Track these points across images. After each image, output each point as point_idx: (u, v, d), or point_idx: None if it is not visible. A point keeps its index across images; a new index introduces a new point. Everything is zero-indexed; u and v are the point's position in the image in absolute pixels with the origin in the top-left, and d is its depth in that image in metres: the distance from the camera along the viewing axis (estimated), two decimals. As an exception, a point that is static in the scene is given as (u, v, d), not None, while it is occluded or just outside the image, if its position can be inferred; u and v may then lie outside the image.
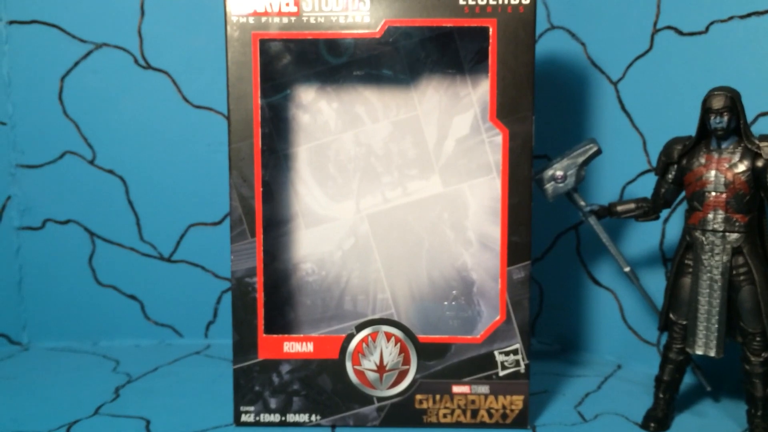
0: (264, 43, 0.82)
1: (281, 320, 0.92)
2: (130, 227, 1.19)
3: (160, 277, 1.20)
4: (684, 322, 0.86)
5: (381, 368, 0.85)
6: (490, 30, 0.80)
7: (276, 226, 0.92)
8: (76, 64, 1.16)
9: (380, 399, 0.85)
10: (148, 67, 1.16)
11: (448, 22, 0.80)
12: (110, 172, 1.18)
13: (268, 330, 0.85)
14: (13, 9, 1.14)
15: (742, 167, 0.82)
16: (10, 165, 1.17)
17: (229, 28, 0.81)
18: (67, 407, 0.92)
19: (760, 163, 0.82)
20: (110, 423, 0.88)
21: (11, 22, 1.14)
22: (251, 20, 0.81)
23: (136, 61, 1.16)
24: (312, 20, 0.81)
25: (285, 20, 0.81)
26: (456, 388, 0.85)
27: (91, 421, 0.89)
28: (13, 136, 1.16)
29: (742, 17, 0.97)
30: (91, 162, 1.17)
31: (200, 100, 1.17)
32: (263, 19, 0.81)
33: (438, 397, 0.85)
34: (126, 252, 1.19)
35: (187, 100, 1.17)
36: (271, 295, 0.88)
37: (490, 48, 0.80)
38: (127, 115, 1.17)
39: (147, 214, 1.19)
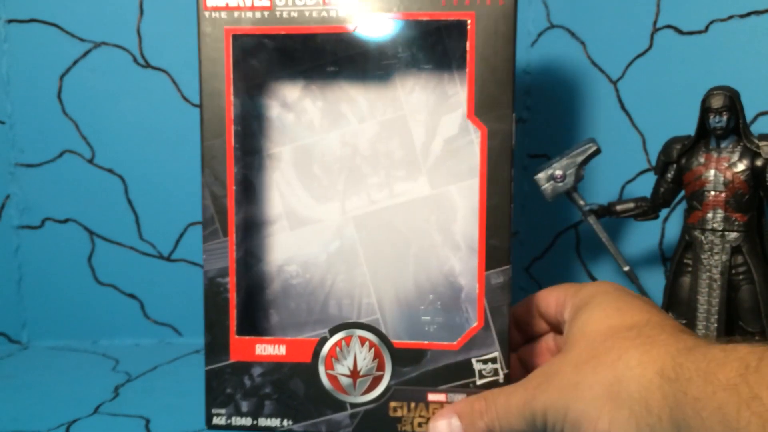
0: (239, 39, 0.80)
1: (265, 323, 0.89)
2: (129, 226, 1.19)
3: (160, 276, 1.19)
4: (683, 321, 0.86)
5: (354, 373, 0.81)
6: (468, 23, 0.76)
7: (260, 228, 0.90)
8: (75, 62, 1.15)
9: (353, 405, 0.81)
10: (147, 66, 1.16)
11: (425, 16, 0.77)
12: (109, 171, 1.18)
13: (245, 332, 0.82)
14: (12, 8, 1.14)
15: (741, 166, 0.82)
16: (10, 164, 1.16)
17: (201, 23, 0.78)
18: (66, 406, 0.92)
19: (759, 163, 0.82)
20: (110, 422, 0.88)
21: (10, 21, 1.14)
22: (224, 15, 0.78)
23: (135, 60, 1.16)
24: (285, 14, 0.78)
25: (258, 15, 0.78)
26: (432, 396, 0.81)
27: (91, 420, 0.89)
28: (12, 135, 1.16)
29: (742, 17, 0.97)
30: (90, 161, 1.17)
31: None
32: (236, 13, 0.78)
33: (413, 405, 0.81)
34: (125, 251, 1.19)
35: (186, 99, 1.17)
36: (255, 297, 0.87)
37: (468, 42, 0.76)
38: (127, 113, 1.16)
39: (146, 213, 1.19)
